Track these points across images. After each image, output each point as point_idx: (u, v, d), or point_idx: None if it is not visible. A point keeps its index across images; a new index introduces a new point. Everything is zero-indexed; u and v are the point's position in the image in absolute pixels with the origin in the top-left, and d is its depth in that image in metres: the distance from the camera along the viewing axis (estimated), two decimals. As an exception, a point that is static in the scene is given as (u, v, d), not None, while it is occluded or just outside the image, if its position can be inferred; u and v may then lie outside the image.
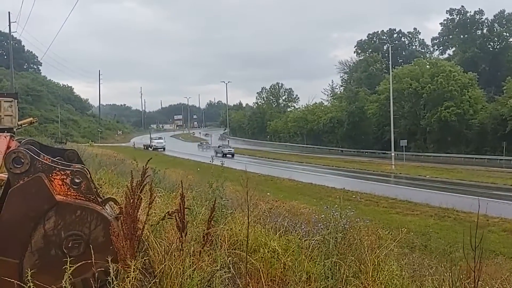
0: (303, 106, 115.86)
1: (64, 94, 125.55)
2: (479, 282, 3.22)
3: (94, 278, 3.43)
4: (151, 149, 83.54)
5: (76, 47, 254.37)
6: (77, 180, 3.63)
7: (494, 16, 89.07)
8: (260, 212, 6.02)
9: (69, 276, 3.24)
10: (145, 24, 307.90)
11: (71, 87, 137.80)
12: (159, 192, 6.45)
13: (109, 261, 3.37)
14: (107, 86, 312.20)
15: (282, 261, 4.56)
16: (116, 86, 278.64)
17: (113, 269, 3.33)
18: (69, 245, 3.49)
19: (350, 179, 40.58)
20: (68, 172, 3.64)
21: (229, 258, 4.27)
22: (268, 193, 14.64)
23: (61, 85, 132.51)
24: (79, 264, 3.37)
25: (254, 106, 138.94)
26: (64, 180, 3.60)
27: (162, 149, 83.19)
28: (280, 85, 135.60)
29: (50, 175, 3.57)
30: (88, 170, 4.01)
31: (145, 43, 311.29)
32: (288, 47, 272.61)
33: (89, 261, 3.40)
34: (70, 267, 3.26)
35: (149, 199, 4.00)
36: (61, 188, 3.58)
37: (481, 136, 62.65)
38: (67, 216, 3.52)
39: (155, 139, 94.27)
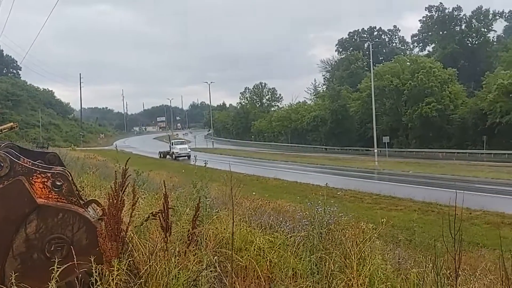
0: (286, 105, 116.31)
1: (45, 98, 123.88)
2: (459, 272, 3.28)
3: (78, 281, 3.39)
4: (171, 158, 64.52)
5: (55, 51, 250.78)
6: (58, 183, 3.58)
7: (472, 12, 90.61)
8: (246, 211, 6.02)
9: (53, 280, 3.20)
10: (124, 27, 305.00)
11: (51, 91, 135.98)
12: (143, 194, 6.42)
13: (93, 263, 3.34)
14: (88, 89, 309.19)
15: (268, 258, 4.58)
16: (97, 89, 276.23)
17: (97, 271, 3.30)
18: (52, 249, 3.44)
19: (334, 176, 40.81)
20: (49, 174, 3.60)
21: (215, 257, 4.26)
22: (254, 193, 14.64)
23: (42, 89, 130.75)
24: (62, 267, 3.33)
25: (238, 106, 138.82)
26: (45, 183, 3.55)
27: (187, 157, 60.39)
28: (263, 84, 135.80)
29: (31, 178, 3.52)
30: (69, 173, 3.97)
31: (125, 46, 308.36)
32: (267, 48, 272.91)
33: (72, 264, 3.36)
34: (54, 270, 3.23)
35: (132, 200, 3.98)
36: (42, 191, 3.53)
37: (462, 131, 63.59)
38: (49, 219, 3.48)
39: (177, 143, 69.82)
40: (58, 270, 3.23)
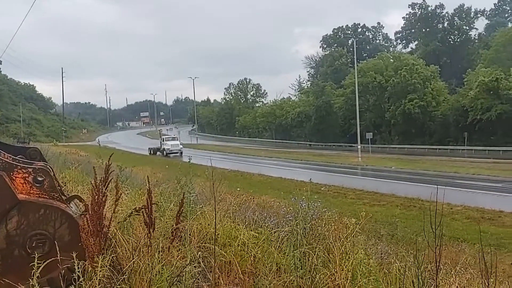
0: (271, 101, 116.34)
1: (26, 93, 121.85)
2: (440, 266, 3.33)
3: (61, 277, 3.36)
4: (162, 155, 61.69)
5: (37, 45, 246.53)
6: (40, 178, 3.54)
7: (454, 10, 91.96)
8: (230, 207, 6.02)
9: (35, 276, 3.16)
10: (107, 21, 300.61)
11: (33, 85, 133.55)
12: (126, 190, 6.37)
13: (76, 259, 3.30)
14: (71, 84, 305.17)
15: (252, 254, 4.60)
16: (79, 84, 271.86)
17: (80, 267, 3.27)
18: (33, 245, 3.40)
19: (318, 172, 41.06)
20: (30, 170, 3.55)
21: (199, 252, 4.26)
22: (238, 188, 14.64)
23: (23, 84, 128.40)
24: (44, 263, 3.29)
25: (222, 102, 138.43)
26: (26, 179, 3.51)
27: (179, 154, 59.18)
28: (248, 80, 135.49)
29: (12, 174, 3.47)
30: (51, 168, 3.92)
31: (108, 41, 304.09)
32: (251, 43, 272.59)
33: (54, 260, 3.33)
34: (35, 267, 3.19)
35: (115, 195, 3.95)
36: (23, 186, 3.49)
37: (444, 128, 64.43)
38: (30, 215, 3.44)
39: (168, 139, 67.14)
40: (39, 266, 3.20)
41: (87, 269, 3.35)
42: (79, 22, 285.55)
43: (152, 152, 65.11)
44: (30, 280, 3.13)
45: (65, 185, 6.05)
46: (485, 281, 3.21)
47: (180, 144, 64.82)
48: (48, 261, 3.31)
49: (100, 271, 3.27)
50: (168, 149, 61.68)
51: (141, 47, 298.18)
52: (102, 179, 3.79)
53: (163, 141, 65.68)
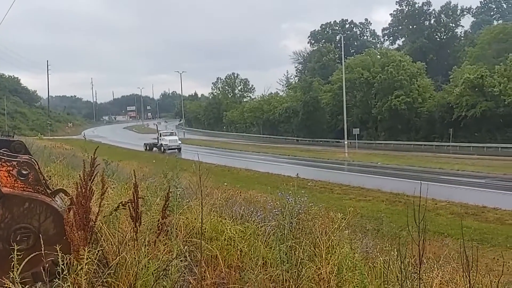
0: (259, 96, 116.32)
1: (10, 85, 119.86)
2: (424, 259, 3.39)
3: (45, 271, 3.33)
4: (159, 151, 58.18)
5: (21, 37, 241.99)
6: (24, 172, 3.50)
7: (441, 7, 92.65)
8: (217, 201, 6.03)
9: (19, 270, 3.14)
10: (93, 13, 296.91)
11: (17, 78, 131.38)
12: (112, 184, 6.34)
13: (61, 253, 3.28)
14: (56, 77, 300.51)
15: (239, 248, 4.62)
16: (65, 77, 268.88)
17: (65, 261, 3.25)
18: (18, 239, 3.37)
19: (305, 167, 41.26)
20: (15, 163, 3.51)
21: (185, 246, 4.27)
22: (225, 183, 14.64)
23: (7, 76, 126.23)
24: (28, 258, 3.26)
25: (210, 97, 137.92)
26: (11, 172, 3.46)
27: (177, 150, 56.60)
28: (235, 75, 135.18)
29: (-5, 167, 3.43)
30: (36, 161, 3.88)
31: (93, 33, 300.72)
32: (239, 38, 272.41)
33: (39, 254, 3.30)
34: (19, 261, 3.16)
35: (101, 189, 3.92)
36: (7, 179, 3.45)
37: (429, 124, 65.03)
38: (15, 208, 3.40)
39: (166, 134, 63.98)
40: (24, 261, 3.17)
41: (73, 263, 3.33)
42: (63, 13, 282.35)
43: (148, 148, 62.10)
44: (13, 274, 3.10)
45: (50, 179, 5.99)
46: (466, 274, 3.28)
47: (179, 139, 62.34)
48: (32, 255, 3.29)
49: (85, 264, 3.25)
50: (166, 144, 58.94)
51: (128, 40, 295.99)
52: (88, 172, 3.76)
53: (160, 136, 62.50)
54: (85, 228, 3.45)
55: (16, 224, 3.39)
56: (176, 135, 64.89)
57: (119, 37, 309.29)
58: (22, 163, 3.53)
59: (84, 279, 3.22)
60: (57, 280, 3.22)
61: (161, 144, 59.96)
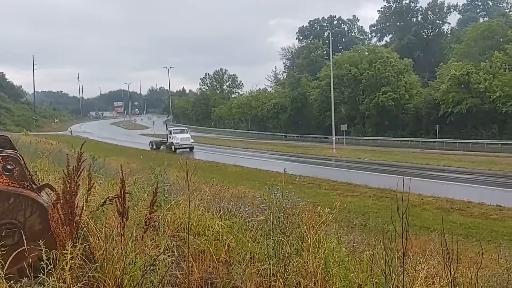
0: (247, 92, 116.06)
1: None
2: (409, 253, 3.43)
3: (31, 267, 3.31)
4: (169, 150, 52.69)
5: (5, 31, 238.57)
6: (9, 167, 3.47)
7: (428, 4, 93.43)
8: (204, 197, 6.03)
9: (3, 267, 3.11)
10: (78, 8, 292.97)
11: (2, 73, 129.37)
12: (99, 179, 6.30)
13: (47, 249, 3.25)
14: (42, 72, 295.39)
15: (226, 243, 4.63)
16: (51, 72, 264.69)
17: (51, 256, 3.22)
18: (3, 234, 3.34)
19: (294, 163, 41.37)
20: (0, 158, 3.47)
21: (173, 242, 4.26)
22: (214, 179, 14.63)
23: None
24: (14, 253, 3.23)
25: (198, 93, 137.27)
26: (-5, 167, 3.43)
27: (189, 150, 53.46)
28: (223, 71, 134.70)
29: (-20, 162, 3.39)
30: (21, 156, 3.84)
31: (79, 28, 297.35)
32: (227, 34, 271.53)
33: (24, 250, 3.27)
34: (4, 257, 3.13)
35: (88, 185, 3.90)
36: (-8, 175, 3.41)
37: (416, 120, 65.57)
38: (0, 204, 3.37)
39: (176, 132, 57.80)
40: (9, 256, 3.14)
41: (58, 258, 3.31)
42: (50, 8, 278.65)
43: (154, 147, 56.22)
44: (-1, 270, 3.07)
45: (36, 174, 5.93)
46: (447, 266, 3.35)
47: (191, 137, 57.03)
48: (18, 250, 3.26)
49: (70, 258, 3.23)
50: (178, 143, 53.72)
51: (115, 36, 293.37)
52: (74, 168, 3.73)
53: (170, 133, 56.86)
54: (71, 223, 3.43)
55: (1, 219, 3.36)
56: (187, 132, 58.92)
57: (106, 32, 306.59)
58: (7, 158, 3.50)
59: (69, 274, 3.20)
60: (41, 275, 3.20)
61: (171, 142, 54.78)
